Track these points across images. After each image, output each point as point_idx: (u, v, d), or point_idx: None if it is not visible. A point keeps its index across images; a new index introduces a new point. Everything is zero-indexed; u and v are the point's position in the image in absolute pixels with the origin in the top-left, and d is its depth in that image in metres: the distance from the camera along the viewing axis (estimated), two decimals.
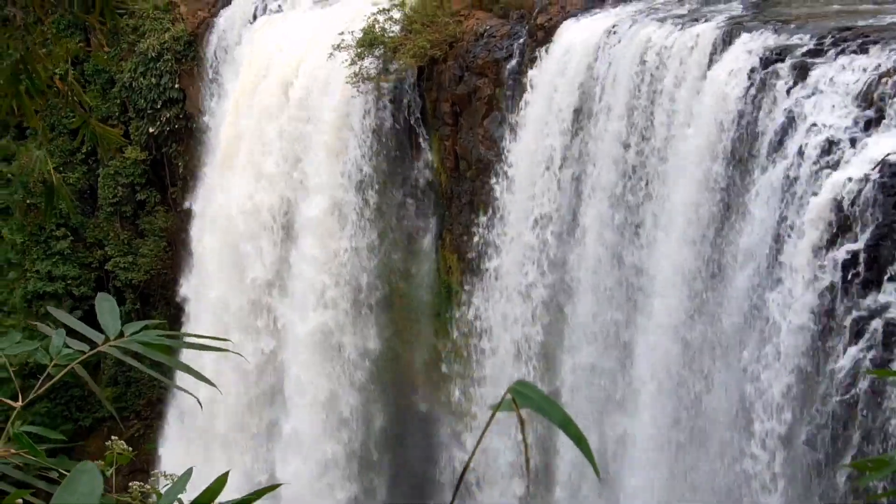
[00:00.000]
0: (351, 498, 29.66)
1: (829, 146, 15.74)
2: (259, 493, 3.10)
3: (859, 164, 15.12)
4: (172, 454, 35.15)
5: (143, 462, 35.67)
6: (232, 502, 2.97)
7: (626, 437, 21.24)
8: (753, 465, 16.86)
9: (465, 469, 2.68)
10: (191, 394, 4.03)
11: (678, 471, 19.61)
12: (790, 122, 16.65)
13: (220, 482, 3.00)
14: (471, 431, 26.50)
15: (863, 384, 14.63)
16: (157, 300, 39.31)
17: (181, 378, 4.00)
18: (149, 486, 4.90)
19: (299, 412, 29.87)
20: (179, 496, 3.05)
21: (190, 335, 4.00)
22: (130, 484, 4.99)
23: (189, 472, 3.29)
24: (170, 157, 38.11)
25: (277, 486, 3.61)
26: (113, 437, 5.24)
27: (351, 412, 29.34)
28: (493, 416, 2.38)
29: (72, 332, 3.81)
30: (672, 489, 19.74)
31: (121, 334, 3.58)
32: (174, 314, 36.47)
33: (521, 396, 2.37)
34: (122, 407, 39.28)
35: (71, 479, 2.72)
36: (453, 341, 26.99)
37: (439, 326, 27.80)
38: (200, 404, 4.20)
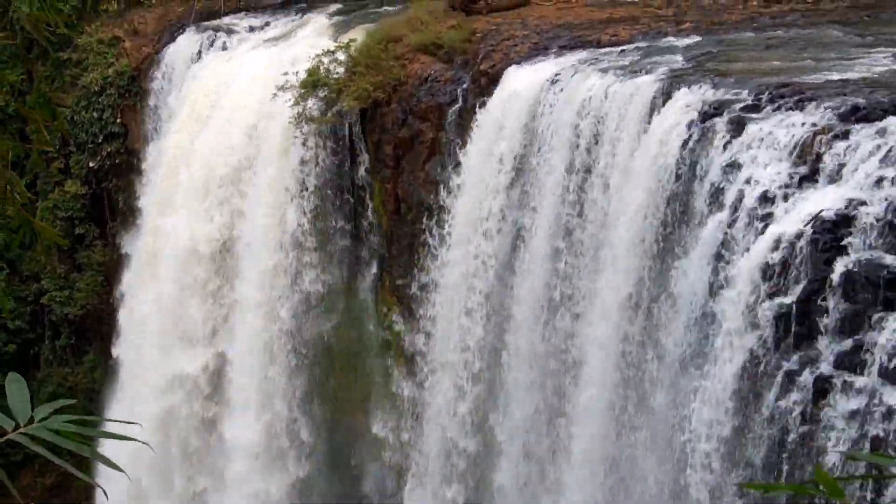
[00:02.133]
0: None
1: (764, 201, 15.98)
2: None
3: (793, 220, 15.36)
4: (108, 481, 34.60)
5: (79, 496, 35.28)
6: None
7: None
8: None
9: None
10: (100, 486, 3.97)
11: None
12: (726, 176, 16.88)
13: None
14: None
15: (793, 435, 14.82)
16: (93, 335, 38.93)
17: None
18: None
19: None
20: None
21: (100, 420, 4.01)
22: None
23: None
24: (110, 192, 37.86)
25: None
26: None
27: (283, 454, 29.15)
28: None
29: None
30: None
31: (31, 420, 3.58)
32: (110, 349, 36.10)
33: None
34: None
35: None
36: (391, 382, 26.97)
37: (378, 369, 27.74)
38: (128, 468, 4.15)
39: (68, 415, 3.72)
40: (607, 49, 23.48)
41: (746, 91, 18.17)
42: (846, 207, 14.82)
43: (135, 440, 3.97)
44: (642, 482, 18.59)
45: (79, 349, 38.94)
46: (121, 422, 4.15)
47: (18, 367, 37.80)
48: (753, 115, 17.42)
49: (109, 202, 38.13)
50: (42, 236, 7.92)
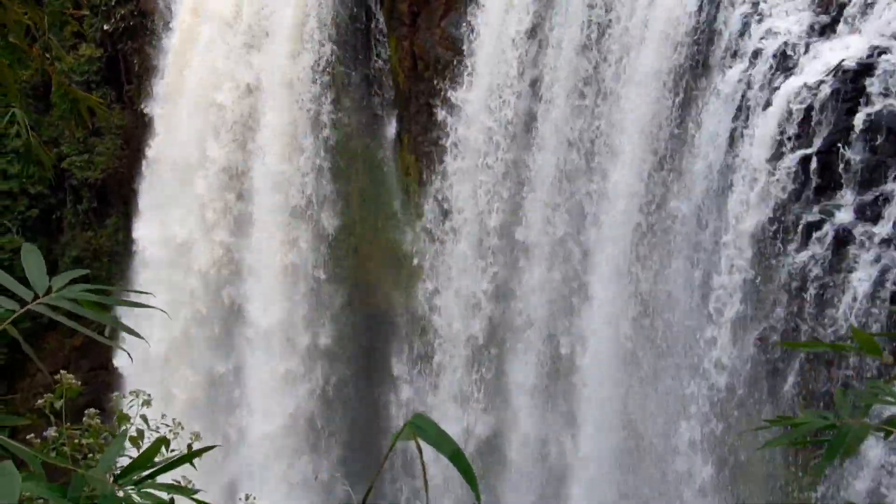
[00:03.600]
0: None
1: (785, 52, 15.79)
2: (192, 455, 3.25)
3: (814, 70, 15.19)
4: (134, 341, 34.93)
5: (104, 358, 35.79)
6: (169, 460, 3.12)
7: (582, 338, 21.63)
8: (705, 361, 17.20)
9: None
10: (124, 349, 4.00)
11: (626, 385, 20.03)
12: (746, 26, 16.65)
13: (154, 449, 3.14)
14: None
15: (812, 289, 14.88)
16: (115, 198, 39.09)
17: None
18: (96, 424, 4.90)
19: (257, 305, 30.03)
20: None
21: (119, 290, 4.05)
22: (87, 412, 4.98)
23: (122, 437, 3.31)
24: (125, 55, 37.62)
25: (212, 447, 3.69)
26: (62, 371, 5.23)
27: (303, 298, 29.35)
28: (392, 445, 2.66)
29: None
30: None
31: (49, 290, 3.63)
32: (131, 213, 36.30)
33: (418, 429, 2.71)
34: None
35: None
36: (413, 237, 27.09)
37: (398, 225, 27.83)
38: (148, 343, 4.21)
39: (85, 284, 3.76)
40: None
41: None
42: (868, 56, 14.64)
43: (151, 307, 4.01)
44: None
45: (101, 213, 39.11)
46: (137, 291, 4.20)
47: (42, 231, 38.13)
48: None
49: (126, 64, 37.92)
50: (83, 104, 7.86)
